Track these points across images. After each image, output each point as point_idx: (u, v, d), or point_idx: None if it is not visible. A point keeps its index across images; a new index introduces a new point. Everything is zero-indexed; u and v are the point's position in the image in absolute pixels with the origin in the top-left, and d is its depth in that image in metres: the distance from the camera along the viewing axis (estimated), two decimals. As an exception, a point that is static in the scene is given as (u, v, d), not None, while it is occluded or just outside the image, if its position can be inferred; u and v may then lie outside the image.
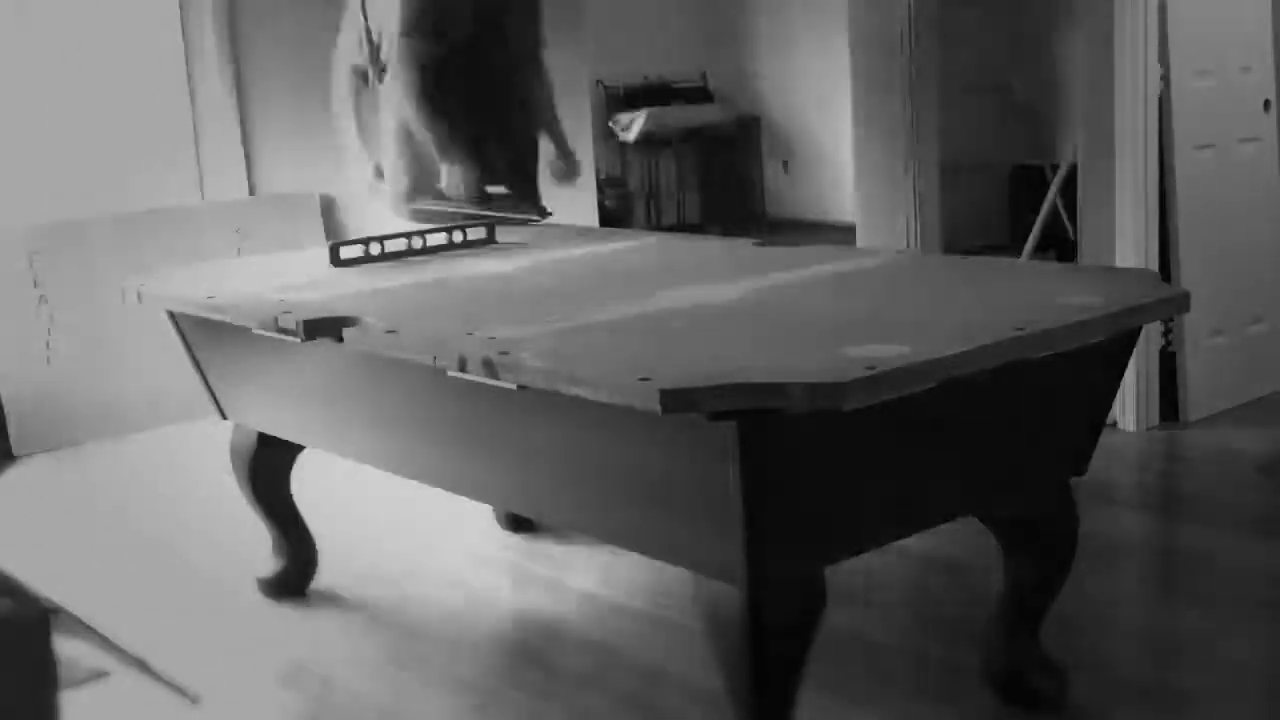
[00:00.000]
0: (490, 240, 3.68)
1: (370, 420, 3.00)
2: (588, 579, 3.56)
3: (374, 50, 3.99)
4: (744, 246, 3.41)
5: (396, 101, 3.99)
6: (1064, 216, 6.25)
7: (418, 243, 3.55)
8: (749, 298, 2.69)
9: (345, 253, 3.43)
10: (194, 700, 2.75)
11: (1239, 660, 2.94)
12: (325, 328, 2.69)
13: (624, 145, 9.83)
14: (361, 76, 4.07)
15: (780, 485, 2.06)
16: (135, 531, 4.16)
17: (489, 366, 2.28)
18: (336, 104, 4.12)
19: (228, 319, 3.00)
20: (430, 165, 4.04)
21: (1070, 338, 2.29)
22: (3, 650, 1.54)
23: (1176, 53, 4.56)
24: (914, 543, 3.27)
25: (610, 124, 9.78)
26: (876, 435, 2.13)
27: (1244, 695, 2.81)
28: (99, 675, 2.88)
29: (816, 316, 2.52)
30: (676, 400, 1.95)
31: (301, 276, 3.32)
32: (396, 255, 3.49)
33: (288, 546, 3.55)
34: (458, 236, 3.64)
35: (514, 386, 2.27)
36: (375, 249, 3.47)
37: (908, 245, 5.57)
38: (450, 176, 4.03)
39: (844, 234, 6.00)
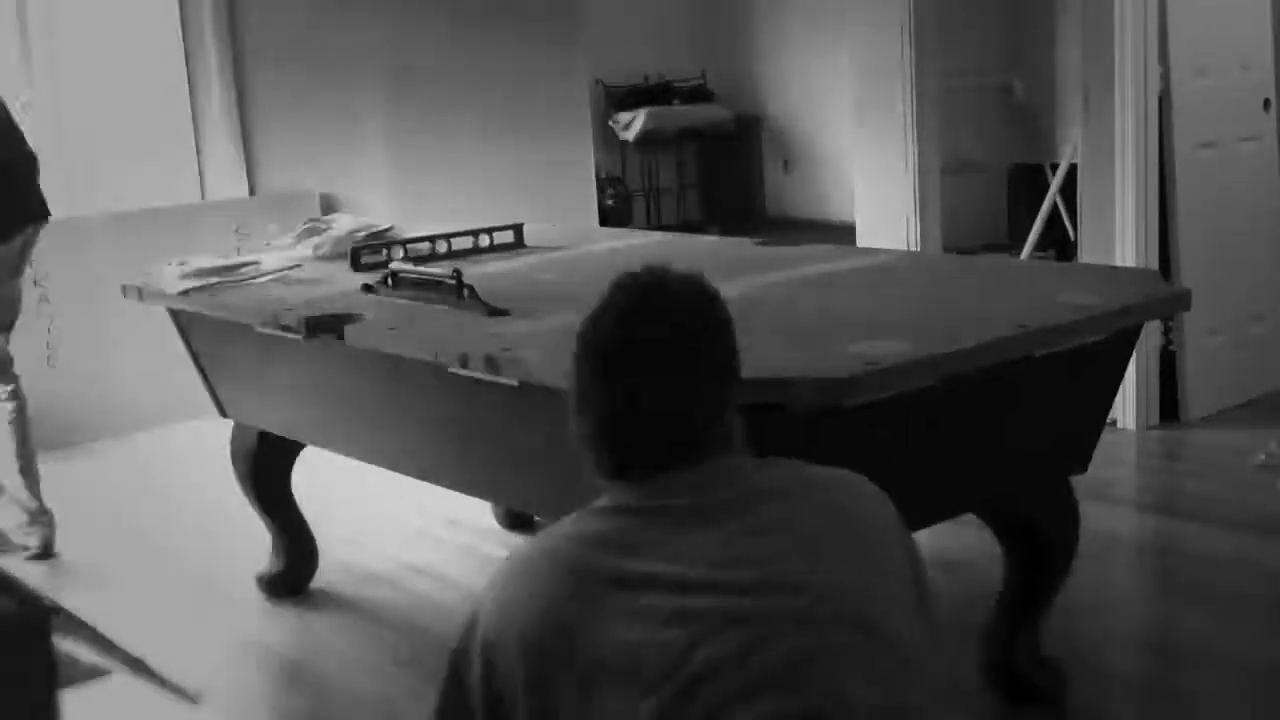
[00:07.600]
0: (519, 245, 3.61)
1: (371, 418, 2.99)
2: (588, 578, 3.55)
3: None
4: (745, 245, 3.40)
5: None
6: (1064, 216, 6.25)
7: (441, 246, 3.51)
8: (750, 296, 2.69)
9: (367, 258, 3.38)
10: (195, 700, 2.75)
11: (1239, 660, 2.94)
12: (327, 325, 2.69)
13: (624, 144, 9.83)
14: None
15: (781, 483, 2.06)
16: (134, 530, 4.15)
17: (491, 363, 2.28)
18: None
19: (228, 316, 3.00)
20: None
21: (1070, 336, 2.29)
22: (3, 650, 1.54)
23: (1176, 52, 4.56)
24: (914, 542, 3.26)
25: (610, 123, 9.78)
26: (877, 432, 2.13)
27: (1244, 695, 2.81)
28: (99, 675, 2.87)
29: (818, 314, 2.52)
30: (677, 398, 1.95)
31: (303, 274, 3.32)
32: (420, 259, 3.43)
33: (288, 545, 3.54)
34: (484, 240, 3.57)
35: (515, 383, 2.27)
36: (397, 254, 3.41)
37: (908, 245, 5.57)
38: None
39: (844, 234, 5.98)
